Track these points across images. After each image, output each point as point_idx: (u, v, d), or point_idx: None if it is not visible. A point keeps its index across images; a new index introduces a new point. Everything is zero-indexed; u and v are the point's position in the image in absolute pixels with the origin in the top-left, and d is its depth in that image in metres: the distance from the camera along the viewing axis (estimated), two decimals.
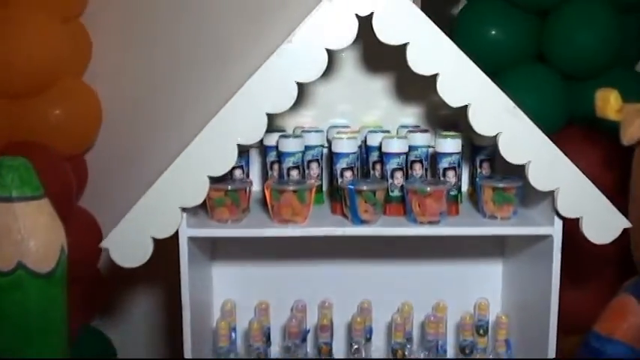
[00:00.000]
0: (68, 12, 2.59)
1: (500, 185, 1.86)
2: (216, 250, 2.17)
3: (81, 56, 2.72)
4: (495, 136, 1.75)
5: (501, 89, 1.74)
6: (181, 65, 2.72)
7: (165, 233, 1.76)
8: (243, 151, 1.99)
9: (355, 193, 1.81)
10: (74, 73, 2.70)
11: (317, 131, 2.05)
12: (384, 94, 2.16)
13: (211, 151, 1.72)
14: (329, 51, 1.71)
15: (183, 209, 1.77)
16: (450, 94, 1.73)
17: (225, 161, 1.73)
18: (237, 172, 1.99)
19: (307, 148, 2.03)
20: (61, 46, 2.53)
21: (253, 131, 1.72)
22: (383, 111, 2.17)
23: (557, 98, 2.62)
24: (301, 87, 1.70)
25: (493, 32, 2.64)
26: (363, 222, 1.84)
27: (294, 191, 1.83)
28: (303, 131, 2.05)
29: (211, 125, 1.73)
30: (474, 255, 2.18)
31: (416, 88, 2.10)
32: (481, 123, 1.74)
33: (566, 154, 1.74)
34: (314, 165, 2.04)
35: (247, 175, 2.03)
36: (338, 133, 2.01)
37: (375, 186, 1.83)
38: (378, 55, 2.06)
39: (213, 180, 1.76)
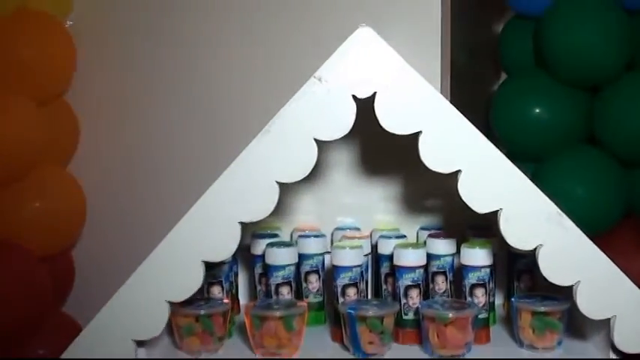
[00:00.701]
0: (45, 92, 2.26)
1: (542, 309, 1.47)
2: None
3: (65, 142, 2.39)
4: (534, 250, 1.35)
5: (543, 190, 1.35)
6: (176, 153, 2.37)
7: None
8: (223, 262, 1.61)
9: (357, 319, 1.43)
10: (56, 160, 2.36)
11: (317, 236, 1.67)
12: (401, 188, 1.79)
13: (169, 271, 1.35)
14: (319, 142, 1.33)
15: (139, 342, 1.38)
16: (476, 196, 1.34)
17: (187, 284, 1.36)
18: (216, 290, 1.60)
19: (304, 257, 1.66)
20: (36, 129, 2.19)
21: (223, 247, 1.35)
22: (399, 208, 1.79)
23: (614, 187, 2.21)
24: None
25: (537, 110, 2.25)
26: (367, 355, 1.44)
27: (280, 317, 1.43)
28: (300, 236, 1.67)
29: (170, 239, 1.36)
30: None
31: (439, 180, 1.71)
32: (516, 234, 1.35)
33: (624, 254, 1.33)
34: (313, 277, 1.67)
35: (230, 291, 1.63)
36: (342, 239, 1.64)
37: (383, 310, 1.46)
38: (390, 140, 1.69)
39: (182, 302, 1.41)
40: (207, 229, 1.36)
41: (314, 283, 1.67)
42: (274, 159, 1.35)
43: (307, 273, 1.67)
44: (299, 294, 1.67)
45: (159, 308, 1.39)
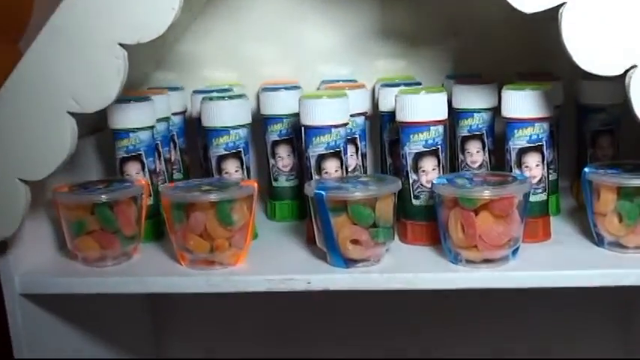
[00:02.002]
0: None
1: (634, 182, 0.91)
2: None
3: None
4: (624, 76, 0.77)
5: None
6: None
7: None
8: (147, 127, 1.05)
9: (330, 206, 0.86)
10: None
11: (289, 88, 1.10)
12: (415, 20, 1.23)
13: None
14: None
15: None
16: None
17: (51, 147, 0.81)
18: (132, 168, 1.04)
19: (270, 121, 1.14)
20: None
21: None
22: (413, 49, 1.23)
23: None
24: None
25: None
26: (348, 263, 0.87)
27: (212, 205, 0.87)
28: (264, 90, 1.10)
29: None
30: (579, 322, 1.28)
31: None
32: None
33: None
34: (283, 150, 1.15)
35: (154, 171, 1.07)
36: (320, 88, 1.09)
37: (374, 191, 0.90)
38: None
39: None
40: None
41: (285, 158, 1.12)
42: None
43: (275, 144, 1.12)
44: (264, 175, 1.15)
45: (10, 192, 0.84)
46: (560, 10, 0.80)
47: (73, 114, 0.85)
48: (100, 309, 1.13)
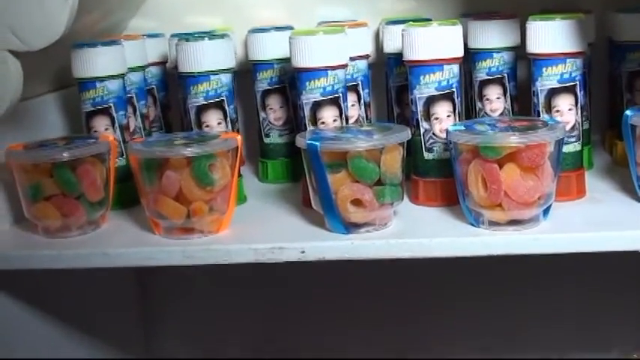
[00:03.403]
0: None
1: None
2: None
3: None
4: None
5: None
6: None
7: None
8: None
9: (326, 163, 0.71)
10: None
11: (280, 29, 0.97)
12: None
13: None
14: None
15: None
16: None
17: None
18: (100, 123, 0.89)
19: (259, 67, 1.02)
20: None
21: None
22: None
23: None
24: None
25: None
26: (349, 229, 0.73)
27: (188, 161, 0.72)
28: (251, 32, 0.96)
29: None
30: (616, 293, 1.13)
31: None
32: None
33: None
34: (274, 101, 1.01)
35: (126, 126, 0.93)
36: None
37: (378, 140, 0.76)
38: None
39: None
40: None
41: (277, 110, 0.99)
42: None
43: (265, 93, 0.98)
44: (253, 131, 1.02)
45: None
46: None
47: (15, 53, 0.70)
48: (78, 294, 0.99)
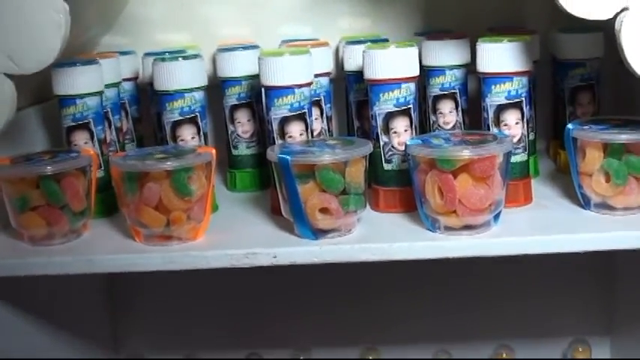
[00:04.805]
0: None
1: (623, 138, 0.85)
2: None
3: None
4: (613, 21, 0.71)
5: None
6: None
7: None
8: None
9: (295, 172, 0.78)
10: None
11: (247, 47, 1.03)
12: None
13: None
14: None
15: None
16: None
17: None
18: (80, 138, 0.95)
19: (228, 83, 1.07)
20: None
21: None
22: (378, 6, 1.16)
23: None
24: None
25: None
26: (317, 235, 0.80)
27: (168, 174, 0.79)
28: (219, 50, 1.02)
29: None
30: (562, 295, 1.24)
31: None
32: None
33: None
34: (243, 115, 1.08)
35: (103, 140, 0.99)
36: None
37: (343, 154, 0.83)
38: None
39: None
40: None
41: (245, 124, 1.05)
42: None
43: (234, 108, 1.04)
44: (222, 143, 1.08)
45: None
46: None
47: (10, 76, 0.76)
48: (51, 291, 1.04)
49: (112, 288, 1.26)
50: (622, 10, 0.74)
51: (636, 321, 1.15)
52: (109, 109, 1.04)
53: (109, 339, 1.27)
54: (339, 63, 1.09)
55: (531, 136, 1.02)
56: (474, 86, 1.01)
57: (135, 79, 1.14)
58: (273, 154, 0.84)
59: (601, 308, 1.24)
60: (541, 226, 0.86)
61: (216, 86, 1.07)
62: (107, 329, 1.26)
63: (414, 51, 0.89)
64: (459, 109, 1.01)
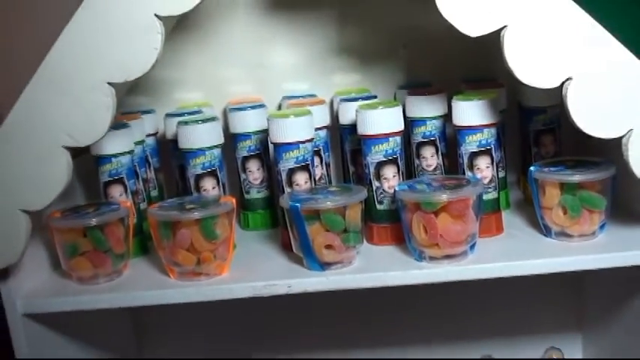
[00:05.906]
0: None
1: (575, 178, 1.01)
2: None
3: None
4: (561, 87, 0.88)
5: None
6: None
7: None
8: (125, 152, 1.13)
9: (304, 216, 0.95)
10: None
11: (255, 107, 1.20)
12: (365, 36, 1.32)
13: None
14: None
15: None
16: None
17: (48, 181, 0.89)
18: (116, 191, 1.12)
19: (239, 138, 1.23)
20: None
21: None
22: (367, 63, 1.33)
23: None
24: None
25: None
26: (324, 267, 0.97)
27: (196, 221, 0.96)
28: (231, 110, 1.19)
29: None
30: (533, 309, 1.40)
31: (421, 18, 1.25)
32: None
33: None
34: (253, 164, 1.24)
35: (135, 192, 1.16)
36: (286, 106, 1.20)
37: (343, 199, 1.00)
38: None
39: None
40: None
41: (255, 172, 1.21)
42: None
43: (245, 159, 1.21)
44: (235, 188, 1.22)
45: (12, 222, 0.92)
46: (502, 33, 0.91)
47: (67, 148, 0.93)
48: (91, 321, 1.20)
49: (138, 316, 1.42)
50: (567, 80, 0.91)
51: (603, 323, 1.31)
52: (136, 164, 1.20)
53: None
54: (334, 115, 1.25)
55: (501, 174, 1.18)
56: (451, 133, 1.17)
57: (155, 134, 1.29)
58: (284, 202, 1.01)
59: (573, 313, 1.40)
60: (510, 253, 1.02)
61: (228, 138, 1.22)
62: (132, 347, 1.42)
63: (398, 110, 1.06)
64: (439, 153, 1.17)
